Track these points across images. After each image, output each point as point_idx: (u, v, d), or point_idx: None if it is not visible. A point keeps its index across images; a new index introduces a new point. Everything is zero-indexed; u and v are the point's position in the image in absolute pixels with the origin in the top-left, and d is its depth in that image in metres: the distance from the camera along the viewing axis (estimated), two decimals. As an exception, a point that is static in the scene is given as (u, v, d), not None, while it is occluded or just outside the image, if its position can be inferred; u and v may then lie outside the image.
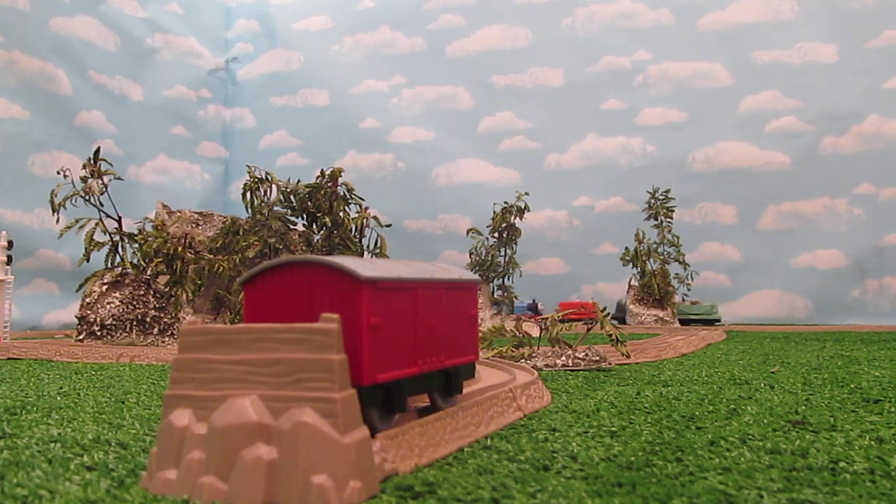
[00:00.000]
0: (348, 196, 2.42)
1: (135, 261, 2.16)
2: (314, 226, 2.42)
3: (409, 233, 4.16)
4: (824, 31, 3.70)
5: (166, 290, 2.11)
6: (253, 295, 0.63)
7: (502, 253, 3.11)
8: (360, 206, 2.44)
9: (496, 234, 3.11)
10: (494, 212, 3.11)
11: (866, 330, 2.83)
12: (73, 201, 2.16)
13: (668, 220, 3.34)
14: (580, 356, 1.41)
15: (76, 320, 2.09)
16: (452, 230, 4.13)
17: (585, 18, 4.11)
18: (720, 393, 1.04)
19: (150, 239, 2.13)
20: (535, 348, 1.48)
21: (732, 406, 0.92)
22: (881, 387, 1.09)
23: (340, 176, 2.40)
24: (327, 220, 2.36)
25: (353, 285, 0.59)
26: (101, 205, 2.18)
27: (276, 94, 4.65)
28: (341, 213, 2.39)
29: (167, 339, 2.04)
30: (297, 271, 0.62)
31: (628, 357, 1.53)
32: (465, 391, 0.80)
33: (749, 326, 3.27)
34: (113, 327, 2.03)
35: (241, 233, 2.34)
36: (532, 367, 1.23)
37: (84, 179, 2.15)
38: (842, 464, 0.61)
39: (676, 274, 3.31)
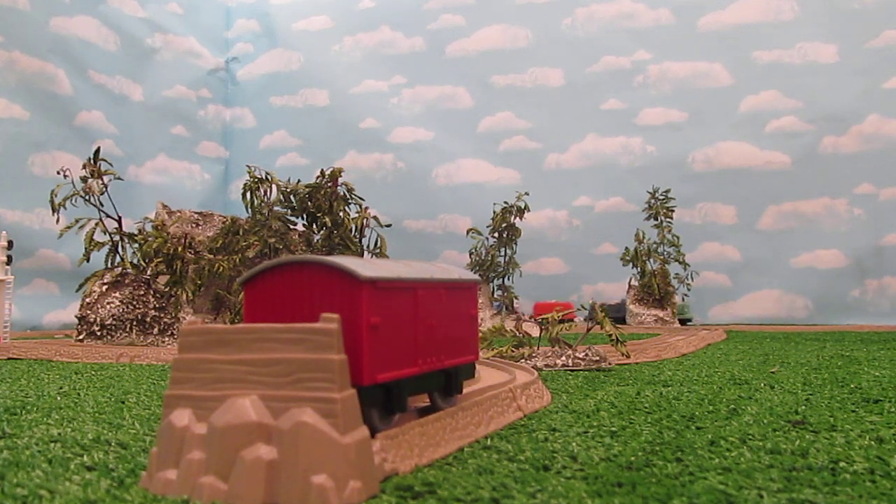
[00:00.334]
0: (348, 196, 2.42)
1: (135, 261, 2.16)
2: (314, 226, 2.42)
3: (409, 233, 4.16)
4: (824, 31, 3.70)
5: (166, 290, 2.11)
6: (253, 295, 0.63)
7: (502, 253, 3.11)
8: (360, 206, 2.44)
9: (496, 234, 3.11)
10: (494, 212, 3.11)
11: (866, 330, 2.83)
12: (73, 201, 2.16)
13: (668, 220, 3.34)
14: (580, 356, 1.41)
15: (76, 320, 2.09)
16: (452, 230, 4.13)
17: (585, 18, 4.11)
18: (720, 393, 1.04)
19: (150, 239, 2.13)
20: (535, 348, 1.48)
21: (732, 406, 0.92)
22: (881, 387, 1.09)
23: (340, 176, 2.40)
24: (327, 220, 2.36)
25: (353, 285, 0.59)
26: (101, 205, 2.18)
27: (276, 94, 4.65)
28: (341, 213, 2.39)
29: (167, 339, 2.04)
30: (297, 271, 0.62)
31: (628, 357, 1.53)
32: (465, 391, 0.80)
33: (749, 326, 3.27)
34: (113, 327, 2.03)
35: (241, 233, 2.34)
36: (532, 367, 1.23)
37: (84, 179, 2.15)
38: (842, 464, 0.61)
39: (676, 274, 3.31)
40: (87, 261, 2.18)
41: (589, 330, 1.53)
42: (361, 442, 0.53)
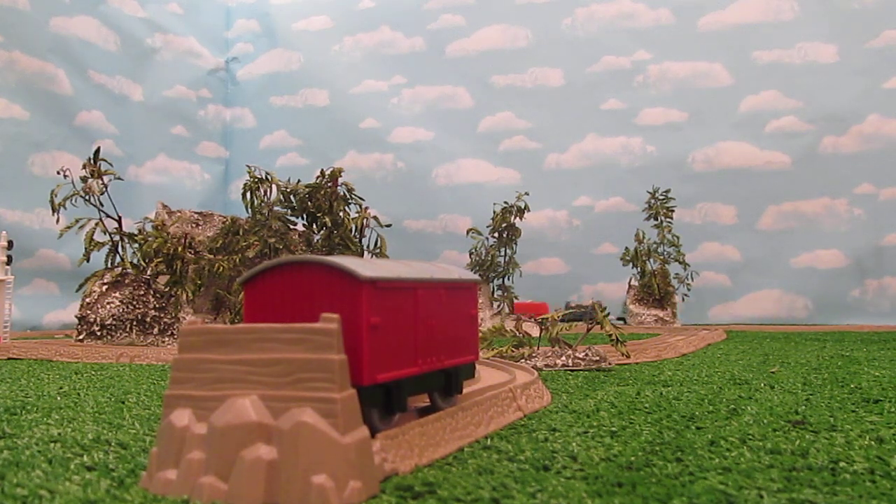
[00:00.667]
0: (348, 196, 2.42)
1: (135, 261, 2.16)
2: (314, 226, 2.42)
3: (409, 233, 4.16)
4: (824, 30, 3.69)
5: (166, 290, 2.11)
6: (253, 295, 0.63)
7: (502, 253, 3.11)
8: (360, 206, 2.44)
9: (496, 234, 3.11)
10: (494, 212, 3.11)
11: (866, 330, 2.83)
12: (73, 201, 2.16)
13: (668, 220, 3.34)
14: (580, 356, 1.41)
15: (76, 320, 2.09)
16: (452, 230, 4.13)
17: (585, 18, 4.11)
18: (720, 393, 1.04)
19: (150, 239, 2.13)
20: (535, 348, 1.48)
21: (732, 406, 0.92)
22: (881, 387, 1.09)
23: (340, 176, 2.40)
24: (327, 220, 2.35)
25: (353, 285, 0.59)
26: (101, 205, 2.18)
27: (276, 94, 4.65)
28: (341, 213, 2.39)
29: (167, 339, 2.04)
30: (297, 271, 0.62)
31: (628, 357, 1.53)
32: (465, 391, 0.80)
33: (749, 326, 3.27)
34: (113, 327, 2.03)
35: (241, 233, 2.34)
36: (532, 367, 1.23)
37: (84, 179, 2.15)
38: (842, 464, 0.61)
39: (676, 274, 3.31)
40: (87, 261, 2.18)
41: (589, 330, 1.53)
42: (361, 442, 0.53)
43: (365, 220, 2.40)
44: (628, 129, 3.97)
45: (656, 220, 3.35)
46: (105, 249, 2.19)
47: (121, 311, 2.04)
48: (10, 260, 2.13)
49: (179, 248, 2.10)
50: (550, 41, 4.16)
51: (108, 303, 2.06)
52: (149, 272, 2.14)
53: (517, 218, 3.07)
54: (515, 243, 3.11)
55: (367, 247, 2.43)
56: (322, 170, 2.42)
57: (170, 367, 1.50)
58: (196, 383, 0.56)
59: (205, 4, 4.63)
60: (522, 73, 4.18)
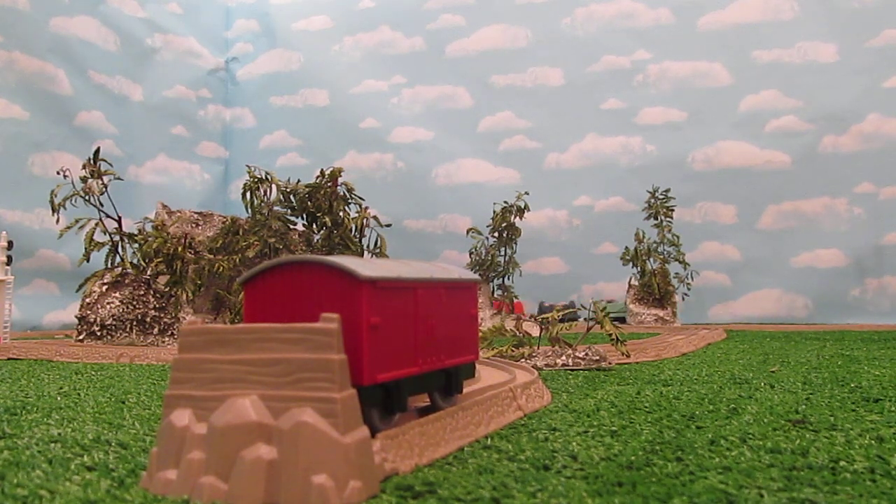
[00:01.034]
0: (348, 196, 2.42)
1: (135, 261, 2.16)
2: (314, 226, 2.42)
3: (409, 233, 4.16)
4: (824, 30, 3.69)
5: (166, 290, 2.11)
6: (253, 295, 0.63)
7: (502, 253, 3.11)
8: (360, 205, 2.44)
9: (496, 234, 3.11)
10: (494, 211, 3.11)
11: (866, 329, 2.83)
12: (73, 201, 2.16)
13: (667, 219, 3.34)
14: (580, 356, 1.41)
15: (76, 320, 2.09)
16: (452, 230, 4.13)
17: (585, 18, 4.11)
18: (720, 392, 1.04)
19: (149, 239, 2.13)
20: (535, 348, 1.48)
21: (733, 405, 0.92)
22: (881, 386, 1.09)
23: (340, 176, 2.40)
24: (327, 219, 2.35)
25: (353, 285, 0.59)
26: (101, 205, 2.18)
27: (275, 94, 4.65)
28: (341, 213, 2.39)
29: (167, 339, 2.04)
30: (297, 271, 0.62)
31: (628, 356, 1.53)
32: (465, 391, 0.80)
33: (749, 326, 3.27)
34: (113, 327, 2.03)
35: (240, 233, 2.34)
36: (532, 367, 1.23)
37: (84, 179, 2.15)
38: (842, 463, 0.61)
39: (676, 273, 3.31)
40: (87, 261, 2.18)
41: (589, 329, 1.53)
42: (362, 442, 0.53)
43: (365, 220, 2.40)
44: (628, 128, 3.97)
45: (656, 219, 3.35)
46: (105, 249, 2.19)
47: (121, 311, 2.04)
48: (10, 260, 2.13)
49: (179, 248, 2.10)
50: (550, 41, 4.16)
51: (108, 303, 2.06)
52: (149, 272, 2.14)
53: (517, 217, 3.07)
54: (515, 243, 3.11)
55: (367, 247, 2.43)
56: (322, 170, 2.42)
57: (170, 367, 1.50)
58: (196, 383, 0.56)
59: (205, 4, 4.63)
60: (522, 73, 4.18)
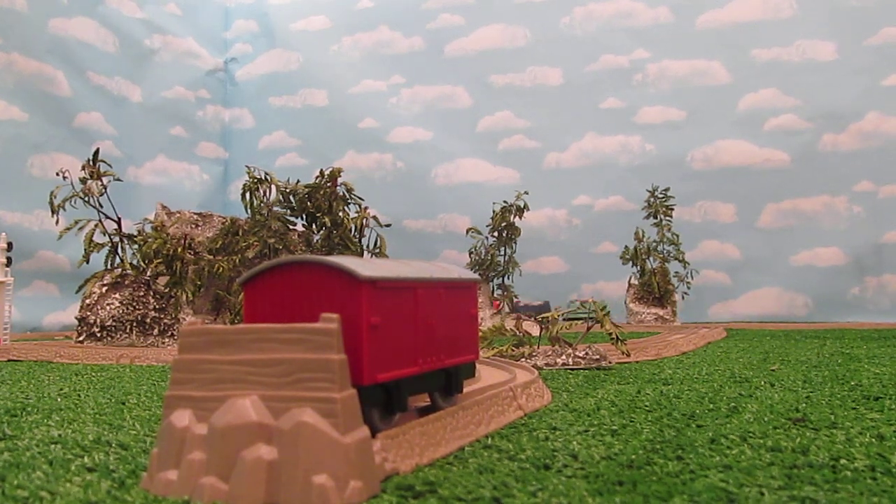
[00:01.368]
0: (348, 196, 2.42)
1: (134, 262, 2.16)
2: (314, 226, 2.42)
3: (409, 232, 4.16)
4: (823, 28, 3.69)
5: (166, 290, 2.11)
6: (253, 295, 0.63)
7: (502, 252, 3.11)
8: (360, 206, 2.44)
9: (496, 234, 3.11)
10: (494, 211, 3.11)
11: (866, 327, 2.83)
12: (73, 203, 2.15)
13: (667, 218, 3.34)
14: (580, 355, 1.41)
15: (76, 322, 2.09)
16: (452, 230, 4.13)
17: (584, 17, 4.11)
18: (720, 391, 1.04)
19: (149, 240, 2.13)
20: (536, 347, 1.48)
21: (733, 404, 0.92)
22: (881, 384, 1.09)
23: (340, 176, 2.40)
24: (327, 220, 2.35)
25: (352, 285, 0.59)
26: (101, 206, 2.17)
27: (274, 95, 4.65)
28: (341, 214, 2.39)
29: (167, 339, 2.04)
30: (297, 271, 0.62)
31: (628, 356, 1.53)
32: (465, 390, 0.80)
33: (749, 324, 3.27)
34: (113, 328, 2.03)
35: (240, 233, 2.33)
36: (532, 366, 1.23)
37: (83, 181, 2.15)
38: (843, 461, 0.61)
39: (676, 272, 3.31)
40: (87, 262, 2.18)
41: (589, 329, 1.53)
42: (362, 442, 0.53)
43: (364, 220, 2.40)
44: (627, 127, 3.97)
45: (656, 218, 3.35)
46: (105, 251, 2.19)
47: (121, 312, 2.04)
48: (9, 262, 2.13)
49: (179, 249, 2.10)
50: (549, 40, 4.15)
51: (107, 304, 2.06)
52: (148, 273, 2.14)
53: (517, 217, 3.07)
54: (515, 242, 3.12)
55: (367, 247, 2.43)
56: (321, 170, 2.42)
57: (170, 368, 1.50)
58: (196, 384, 0.56)
59: (203, 5, 4.63)
60: (521, 73, 4.18)
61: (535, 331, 1.57)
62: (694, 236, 3.67)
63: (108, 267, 2.18)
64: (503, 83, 4.21)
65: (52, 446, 0.70)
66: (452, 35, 4.32)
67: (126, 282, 2.11)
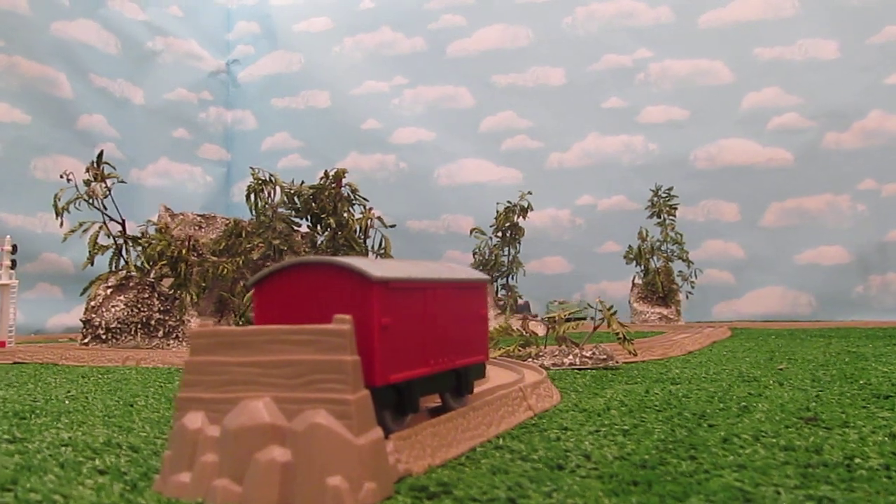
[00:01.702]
0: (352, 197, 2.42)
1: (139, 264, 2.16)
2: (318, 227, 2.42)
3: (412, 233, 4.16)
4: (825, 27, 3.69)
5: (171, 292, 2.11)
6: (263, 297, 0.63)
7: (506, 252, 3.11)
8: (364, 206, 2.44)
9: (499, 234, 3.11)
10: (497, 211, 3.11)
11: (871, 326, 2.83)
12: (77, 205, 2.15)
13: (671, 217, 3.34)
14: (587, 355, 1.41)
15: (80, 324, 2.09)
16: (455, 230, 4.13)
17: (586, 17, 4.11)
18: (729, 390, 1.04)
19: (153, 242, 2.13)
20: (542, 347, 1.48)
21: (743, 403, 0.91)
22: (891, 383, 1.09)
23: (344, 177, 2.40)
24: (331, 221, 2.35)
25: (364, 286, 0.58)
26: (105, 208, 2.17)
27: (277, 96, 4.65)
28: (345, 214, 2.39)
29: (172, 341, 2.04)
30: (308, 272, 0.61)
31: (635, 355, 1.53)
32: (475, 391, 0.79)
33: (753, 323, 3.26)
34: (118, 330, 2.03)
35: (244, 235, 2.33)
36: (540, 366, 1.23)
37: (87, 183, 2.15)
38: (857, 460, 0.61)
39: (680, 271, 3.31)
40: (91, 264, 2.18)
41: (595, 328, 1.53)
42: (376, 443, 0.53)
43: (369, 221, 2.40)
44: (630, 127, 3.96)
45: (659, 218, 3.34)
46: (109, 253, 2.19)
47: (125, 314, 2.04)
48: (14, 264, 2.13)
49: (183, 251, 2.10)
50: (551, 40, 4.15)
51: (112, 306, 2.06)
52: (153, 275, 2.13)
53: (520, 217, 3.07)
54: (519, 242, 3.11)
55: (372, 247, 2.43)
56: (326, 171, 2.42)
57: (176, 370, 1.50)
58: (208, 386, 0.56)
59: (205, 7, 4.63)
60: (523, 73, 4.18)
61: (540, 331, 1.56)
62: (697, 236, 3.67)
63: (113, 269, 2.18)
64: (505, 83, 4.21)
65: (63, 449, 0.70)
66: (454, 35, 4.32)
67: (130, 284, 2.11)
